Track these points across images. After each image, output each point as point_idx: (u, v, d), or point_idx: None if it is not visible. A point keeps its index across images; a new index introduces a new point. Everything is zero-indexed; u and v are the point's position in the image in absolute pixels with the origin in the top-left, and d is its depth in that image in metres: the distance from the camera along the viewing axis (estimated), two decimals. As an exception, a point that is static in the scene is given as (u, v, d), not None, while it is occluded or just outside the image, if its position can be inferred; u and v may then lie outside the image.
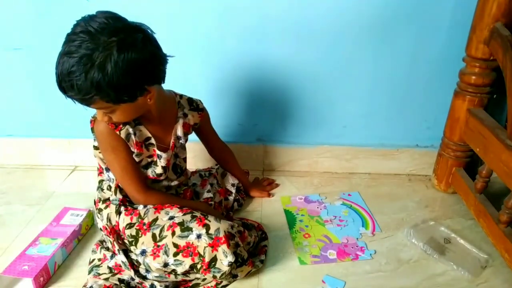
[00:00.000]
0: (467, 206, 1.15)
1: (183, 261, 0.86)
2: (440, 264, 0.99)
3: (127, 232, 0.91)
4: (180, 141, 1.01)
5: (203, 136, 1.14)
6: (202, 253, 0.85)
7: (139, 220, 0.91)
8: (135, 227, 0.91)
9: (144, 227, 0.90)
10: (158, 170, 0.96)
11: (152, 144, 0.95)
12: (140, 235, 0.89)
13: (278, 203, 1.21)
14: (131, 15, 0.80)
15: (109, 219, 0.94)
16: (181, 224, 0.88)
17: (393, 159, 1.34)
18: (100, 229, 0.98)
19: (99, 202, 0.98)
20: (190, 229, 0.87)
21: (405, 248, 1.04)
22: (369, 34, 1.15)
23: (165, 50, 0.85)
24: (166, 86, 0.97)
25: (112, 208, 0.95)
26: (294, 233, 1.09)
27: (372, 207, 1.19)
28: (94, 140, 0.95)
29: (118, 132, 0.89)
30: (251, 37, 1.15)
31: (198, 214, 0.90)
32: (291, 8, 1.12)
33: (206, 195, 1.11)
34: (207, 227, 0.86)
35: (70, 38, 0.75)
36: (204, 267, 0.85)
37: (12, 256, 0.94)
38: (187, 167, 1.10)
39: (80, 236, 1.06)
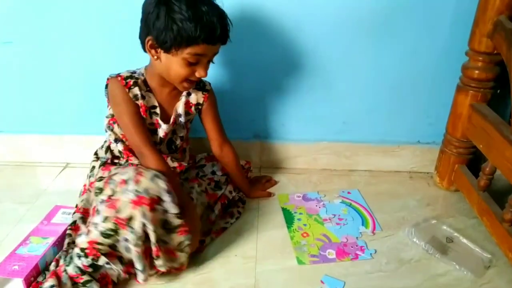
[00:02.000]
0: (470, 204, 1.14)
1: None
2: (442, 264, 0.98)
3: (97, 184, 0.90)
4: (180, 118, 1.04)
5: (206, 124, 1.10)
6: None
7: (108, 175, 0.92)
8: (103, 181, 0.89)
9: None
10: (155, 139, 1.01)
11: (156, 113, 1.00)
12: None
13: (276, 201, 1.20)
14: (129, 11, 0.78)
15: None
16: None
17: (394, 156, 1.32)
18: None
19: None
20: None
21: (406, 248, 1.03)
22: (370, 28, 1.14)
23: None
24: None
25: (97, 164, 1.02)
26: (292, 232, 1.07)
27: (372, 205, 1.18)
28: (108, 108, 1.01)
29: (127, 90, 0.96)
30: (247, 32, 1.13)
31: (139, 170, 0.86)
32: (289, 1, 1.11)
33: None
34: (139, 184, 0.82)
35: None
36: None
37: (2, 256, 0.93)
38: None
39: (72, 235, 1.04)
